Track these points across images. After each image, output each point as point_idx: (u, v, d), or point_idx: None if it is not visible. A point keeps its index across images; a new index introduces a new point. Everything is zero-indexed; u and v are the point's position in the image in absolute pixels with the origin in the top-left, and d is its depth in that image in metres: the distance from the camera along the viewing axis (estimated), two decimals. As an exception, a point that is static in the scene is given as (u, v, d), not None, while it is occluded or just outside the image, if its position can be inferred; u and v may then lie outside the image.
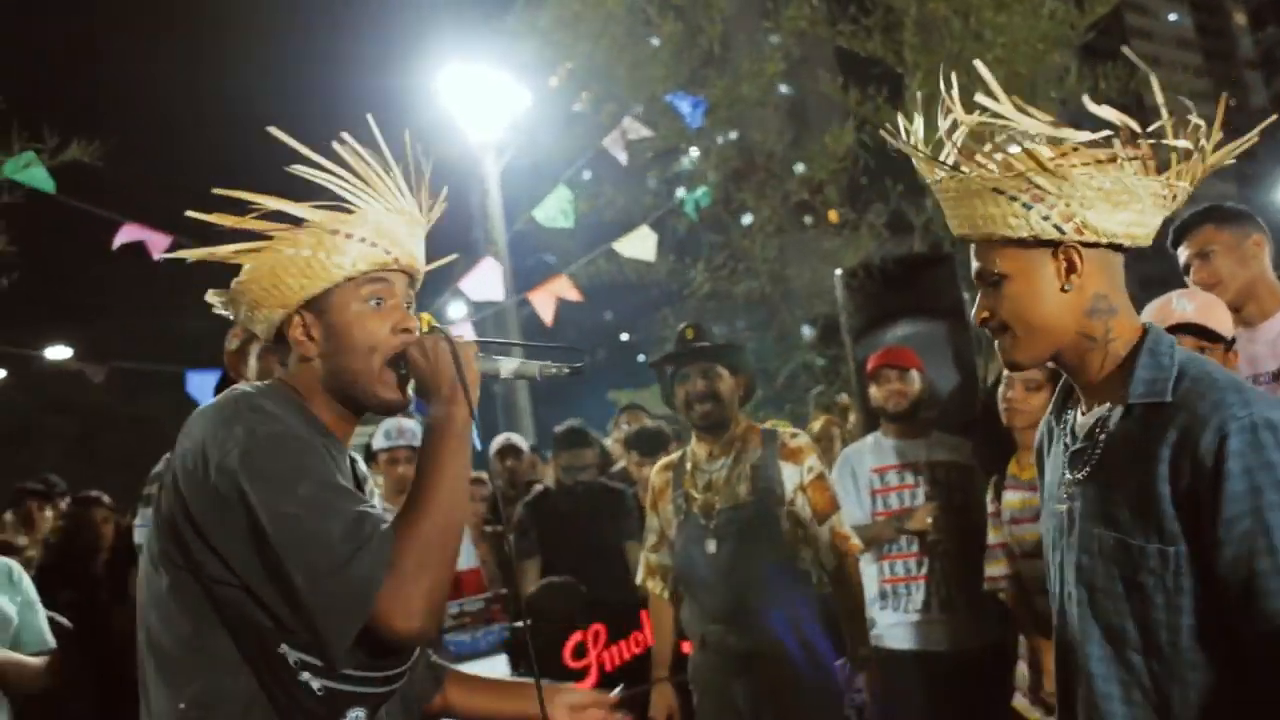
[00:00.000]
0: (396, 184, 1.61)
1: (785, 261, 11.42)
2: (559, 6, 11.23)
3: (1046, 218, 1.50)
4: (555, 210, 8.71)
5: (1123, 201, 1.49)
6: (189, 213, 1.53)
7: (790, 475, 3.19)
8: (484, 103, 10.61)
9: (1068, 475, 1.61)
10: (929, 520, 3.78)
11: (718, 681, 3.14)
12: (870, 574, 3.79)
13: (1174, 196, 1.54)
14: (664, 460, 3.54)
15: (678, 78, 10.50)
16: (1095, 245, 1.52)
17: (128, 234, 6.75)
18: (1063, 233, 1.50)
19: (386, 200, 1.59)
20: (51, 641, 3.66)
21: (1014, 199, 1.51)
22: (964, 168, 1.57)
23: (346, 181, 1.56)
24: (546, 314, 8.60)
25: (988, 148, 1.57)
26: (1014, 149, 1.54)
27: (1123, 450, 1.51)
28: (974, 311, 1.63)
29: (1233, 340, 2.59)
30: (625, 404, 7.31)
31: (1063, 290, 1.53)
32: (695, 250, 11.24)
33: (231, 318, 1.66)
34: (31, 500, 5.66)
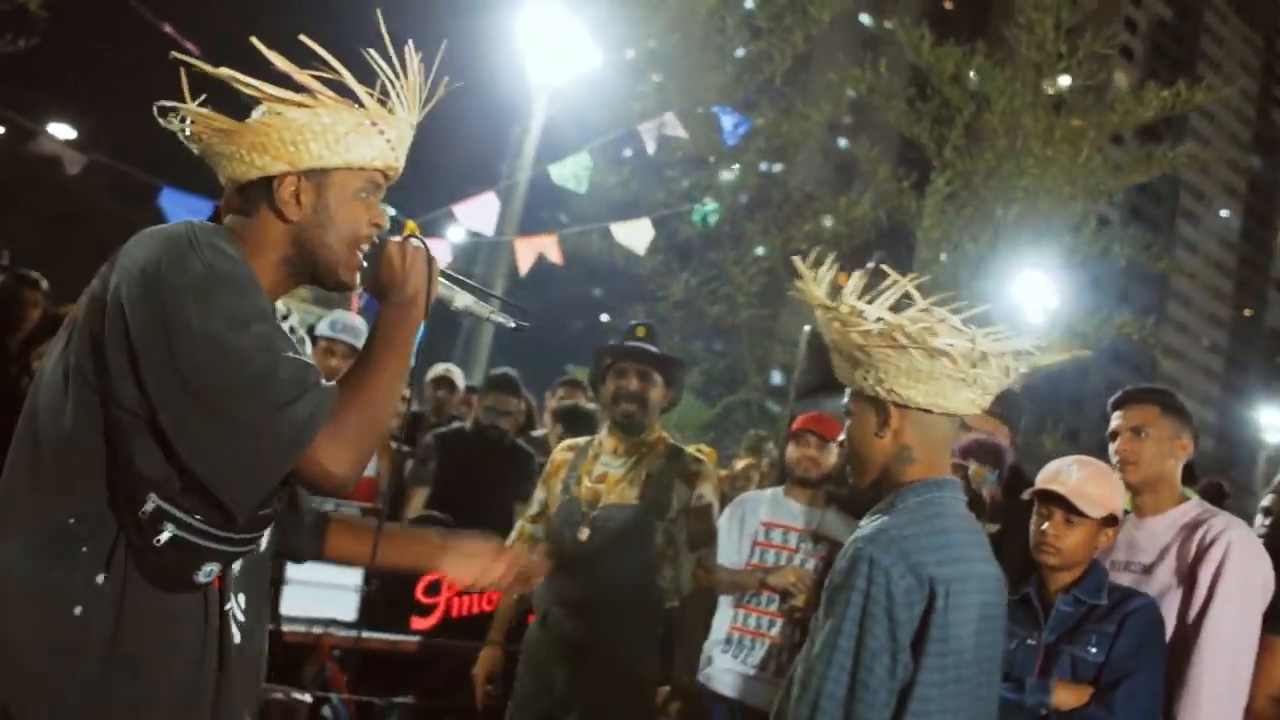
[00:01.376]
0: (421, 97, 1.67)
1: (766, 302, 11.56)
2: None
3: (866, 379, 1.94)
4: (571, 172, 8.74)
5: (919, 378, 1.89)
6: (253, 40, 1.55)
7: (680, 495, 3.27)
8: (555, 49, 10.59)
9: None
10: (793, 580, 3.82)
11: (544, 661, 3.22)
12: (724, 617, 3.85)
13: (975, 381, 1.90)
14: (570, 441, 3.60)
15: (733, 95, 10.59)
16: (906, 408, 1.92)
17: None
18: (879, 395, 1.93)
19: (412, 110, 1.66)
20: None
21: (849, 359, 1.96)
22: (853, 334, 1.93)
23: (394, 81, 1.62)
24: (525, 264, 8.64)
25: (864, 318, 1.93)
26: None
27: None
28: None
29: (1111, 519, 2.70)
30: (568, 378, 7.35)
31: (876, 435, 1.95)
32: (686, 260, 11.32)
33: (189, 139, 1.62)
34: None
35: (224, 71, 1.58)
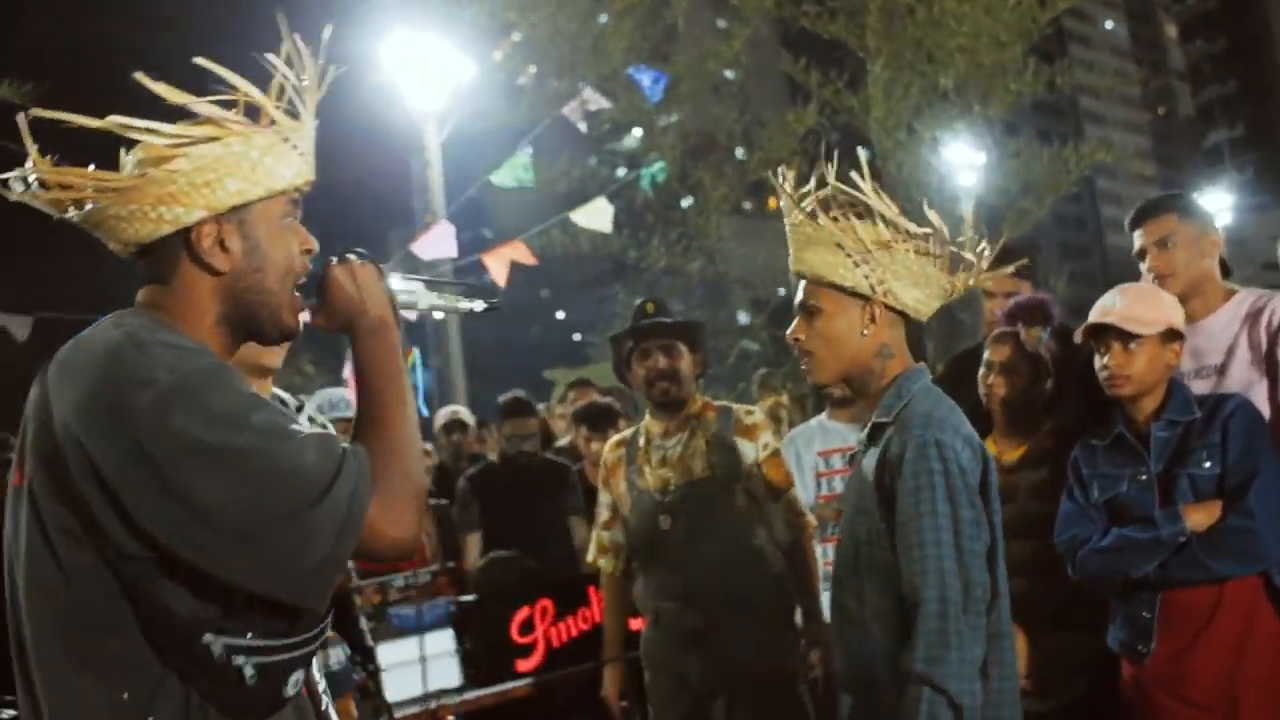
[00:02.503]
0: (317, 100, 1.47)
1: (740, 241, 11.46)
2: None
3: (867, 277, 2.00)
4: (513, 173, 8.62)
5: (920, 283, 2.02)
6: (137, 75, 1.31)
7: (746, 451, 3.18)
8: (427, 72, 10.37)
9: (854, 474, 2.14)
10: None
11: (671, 659, 3.13)
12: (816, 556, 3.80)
13: (952, 292, 2.08)
14: (616, 437, 3.50)
15: (640, 52, 10.43)
16: (890, 309, 2.02)
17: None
18: (873, 292, 2.00)
19: (310, 112, 1.45)
20: None
21: (849, 255, 1.99)
22: (820, 220, 2.01)
23: (298, 88, 1.42)
24: (500, 277, 8.56)
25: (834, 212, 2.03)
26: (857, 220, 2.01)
27: (871, 456, 2.04)
28: (789, 332, 2.09)
29: (1171, 333, 2.63)
30: (573, 379, 7.27)
31: (861, 334, 2.02)
32: (647, 226, 11.19)
33: (59, 207, 1.37)
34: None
35: (110, 120, 1.33)
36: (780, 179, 2.04)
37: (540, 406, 6.92)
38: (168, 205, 1.34)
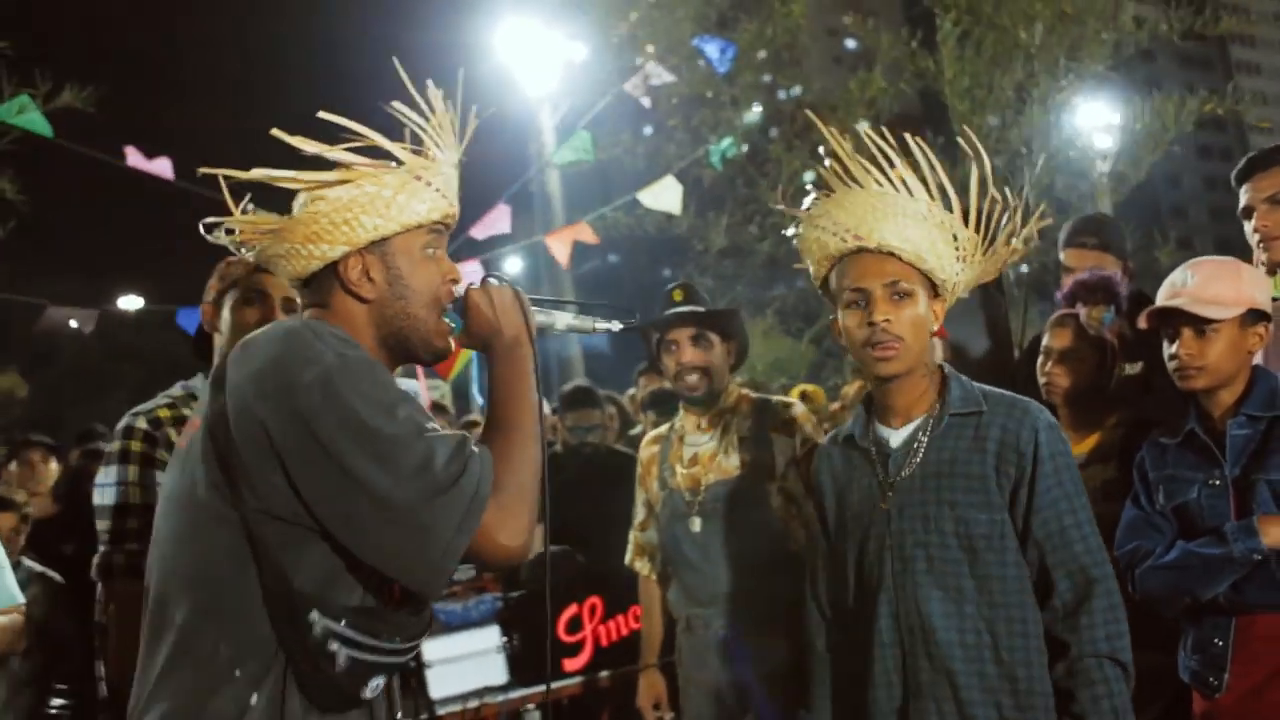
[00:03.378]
0: (457, 136, 1.62)
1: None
2: None
3: (956, 275, 1.96)
4: (573, 152, 8.47)
5: (982, 275, 2.00)
6: (274, 131, 1.49)
7: (782, 448, 2.97)
8: (539, 57, 10.40)
9: (882, 478, 2.03)
10: None
11: (702, 669, 2.96)
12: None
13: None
14: (653, 433, 3.32)
15: (704, 22, 10.12)
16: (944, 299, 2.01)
17: (136, 161, 6.52)
18: (946, 287, 1.97)
19: (452, 151, 1.60)
20: (19, 598, 3.57)
21: (958, 249, 1.94)
22: (933, 202, 1.91)
23: (428, 128, 1.57)
24: (562, 257, 8.50)
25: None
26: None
27: (949, 448, 1.96)
28: (876, 313, 1.92)
29: (1255, 314, 2.29)
30: (643, 367, 7.10)
31: (930, 326, 1.97)
32: (720, 204, 10.91)
33: (239, 248, 1.59)
34: (34, 452, 5.60)
35: (257, 173, 1.52)
36: (869, 140, 1.94)
37: (630, 392, 6.81)
38: (315, 243, 1.52)
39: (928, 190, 1.93)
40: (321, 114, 1.50)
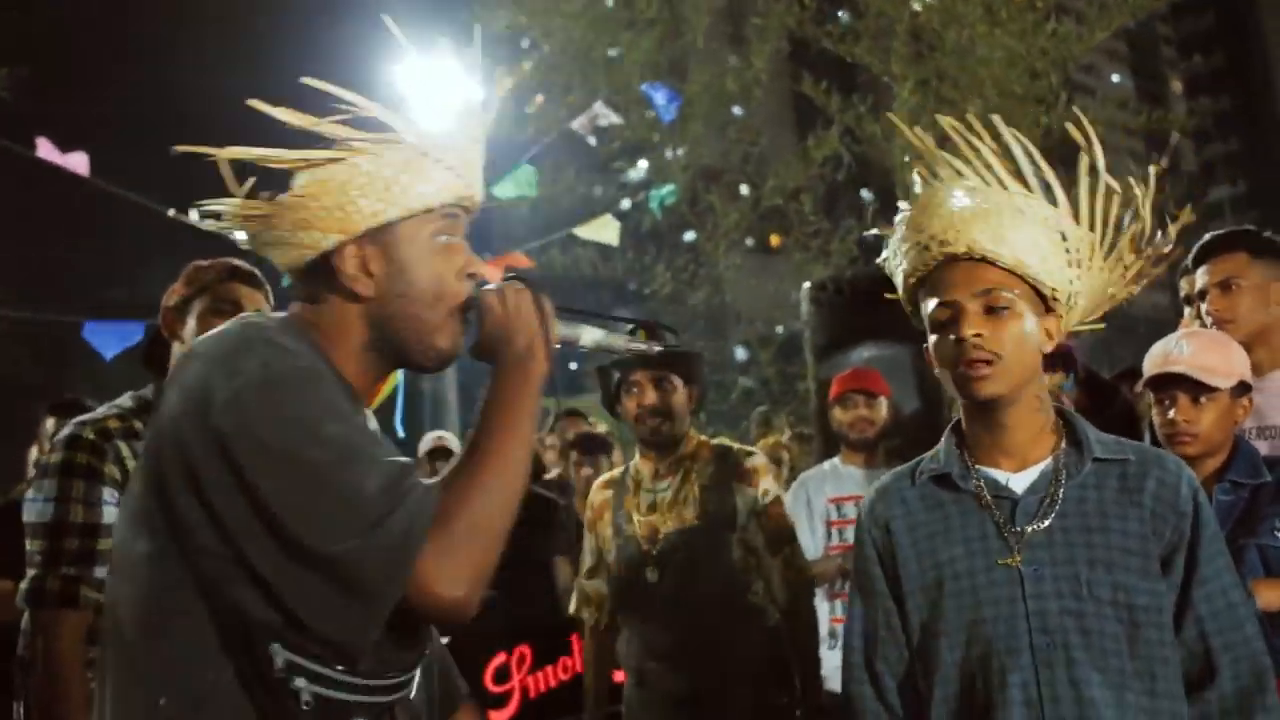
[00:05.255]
0: (476, 108, 1.41)
1: (750, 272, 11.20)
2: None
3: (1071, 284, 1.59)
4: (516, 186, 8.38)
5: (1093, 303, 1.65)
6: (251, 101, 1.28)
7: (744, 498, 2.87)
8: (436, 93, 10.26)
9: (1006, 529, 1.62)
10: None
11: (653, 724, 2.82)
12: (820, 611, 3.48)
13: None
14: (605, 476, 3.18)
15: (656, 69, 10.21)
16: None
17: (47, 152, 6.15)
18: (1062, 304, 1.60)
19: (471, 125, 1.39)
20: None
21: (1068, 252, 1.57)
22: (1034, 195, 1.57)
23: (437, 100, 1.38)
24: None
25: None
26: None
27: (1091, 499, 1.60)
28: (965, 327, 1.57)
29: (1243, 386, 2.34)
30: (565, 409, 6.96)
31: (1041, 347, 1.60)
32: (652, 252, 10.93)
33: (234, 236, 1.37)
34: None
35: (229, 150, 1.30)
36: (954, 132, 1.63)
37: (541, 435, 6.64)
38: (305, 230, 1.30)
39: (1024, 185, 1.60)
40: (306, 80, 1.31)
